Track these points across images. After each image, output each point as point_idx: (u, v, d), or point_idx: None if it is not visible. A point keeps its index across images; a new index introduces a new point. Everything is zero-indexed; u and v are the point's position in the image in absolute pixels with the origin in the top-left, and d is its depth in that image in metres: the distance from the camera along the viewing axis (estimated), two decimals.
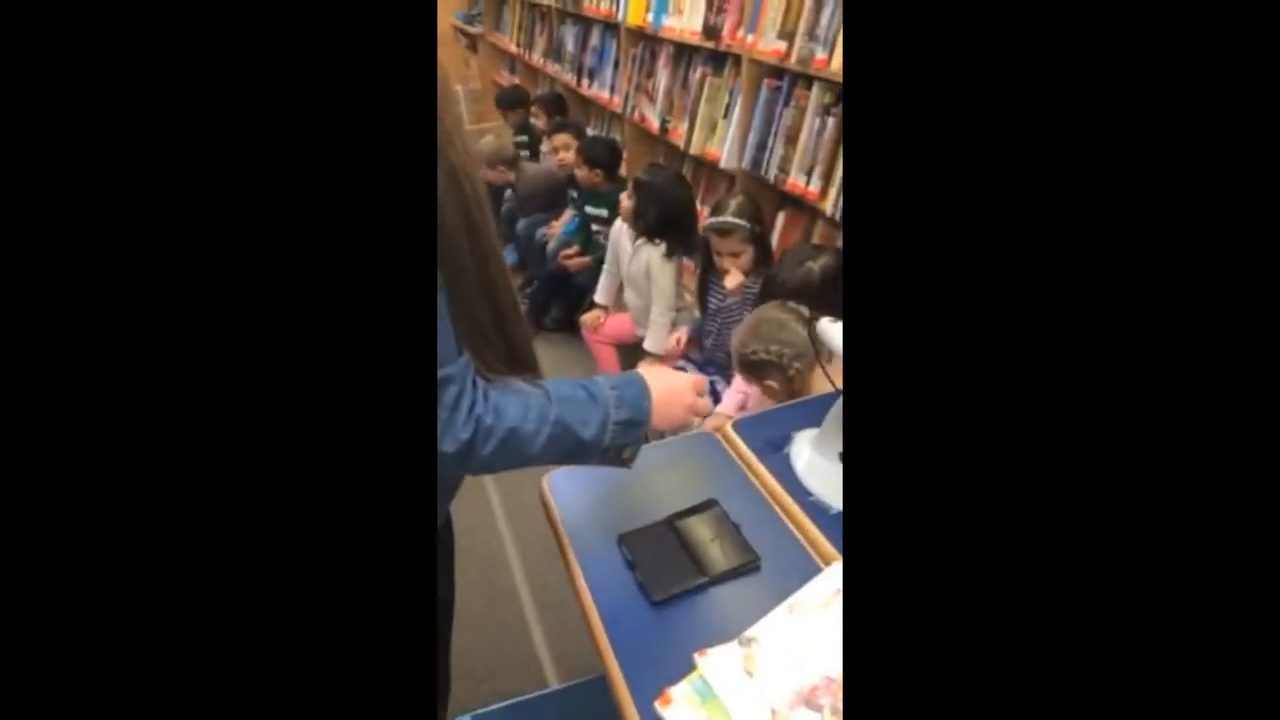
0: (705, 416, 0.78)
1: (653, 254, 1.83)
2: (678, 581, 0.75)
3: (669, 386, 0.76)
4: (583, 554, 0.80)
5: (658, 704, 0.63)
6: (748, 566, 0.77)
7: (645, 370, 0.75)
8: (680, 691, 0.63)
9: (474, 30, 4.33)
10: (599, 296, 2.10)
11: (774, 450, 0.92)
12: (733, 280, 1.56)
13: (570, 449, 0.68)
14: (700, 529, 0.82)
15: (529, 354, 0.72)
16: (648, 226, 1.82)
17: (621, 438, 0.71)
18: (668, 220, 1.79)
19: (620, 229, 1.98)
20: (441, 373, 0.59)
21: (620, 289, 2.08)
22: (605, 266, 2.07)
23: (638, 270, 1.89)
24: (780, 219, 1.76)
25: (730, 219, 1.53)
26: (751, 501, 0.86)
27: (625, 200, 1.88)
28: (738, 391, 1.54)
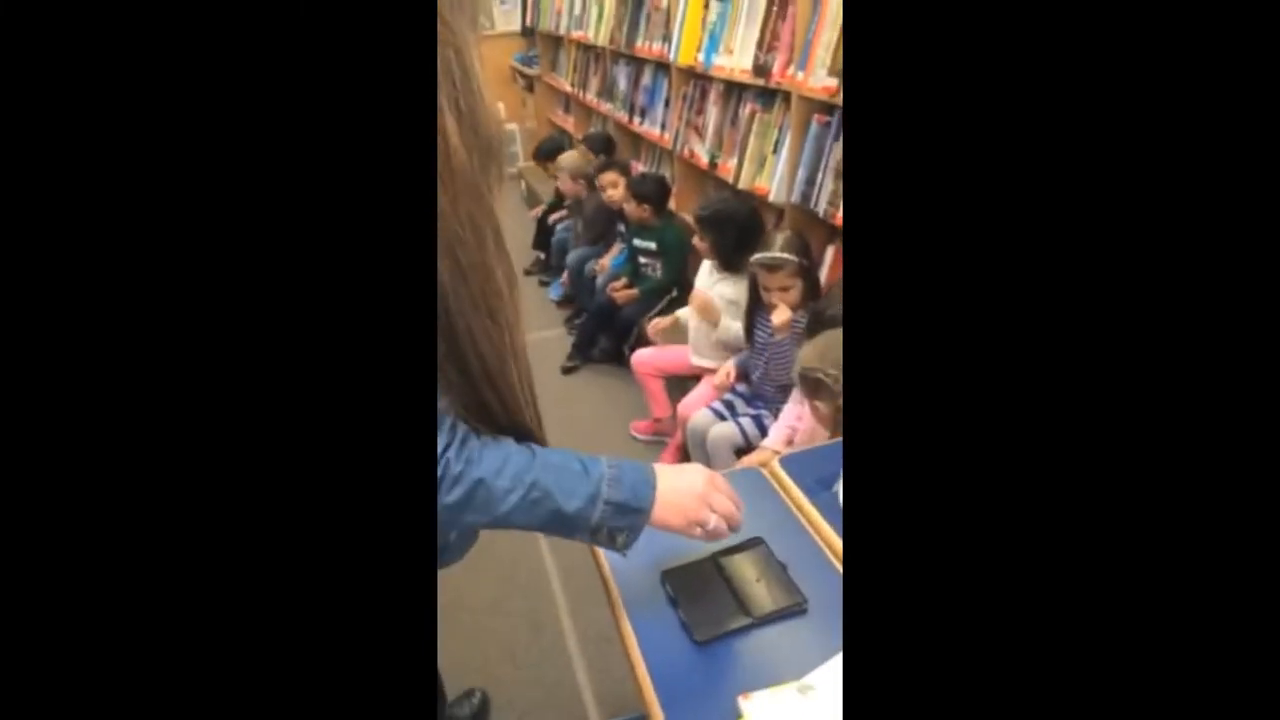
0: (731, 526, 0.72)
1: (732, 283, 1.85)
2: (722, 622, 0.73)
3: (682, 484, 0.69)
4: (626, 589, 0.79)
5: None
6: (794, 609, 0.75)
7: (662, 466, 0.70)
8: None
9: (531, 72, 4.50)
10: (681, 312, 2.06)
11: (822, 488, 0.90)
12: (780, 316, 1.55)
13: (547, 517, 0.64)
14: (745, 568, 0.80)
15: (527, 422, 0.66)
16: (727, 255, 1.83)
17: (614, 520, 0.66)
18: (744, 235, 1.79)
19: (705, 265, 1.99)
20: None
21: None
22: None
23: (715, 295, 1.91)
24: (830, 253, 1.75)
25: (778, 254, 1.53)
26: (798, 540, 0.84)
27: (699, 243, 1.90)
28: (786, 425, 1.52)
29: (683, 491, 0.69)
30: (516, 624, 1.55)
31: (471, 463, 0.60)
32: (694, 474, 0.71)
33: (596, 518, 0.66)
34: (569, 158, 2.92)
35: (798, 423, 1.48)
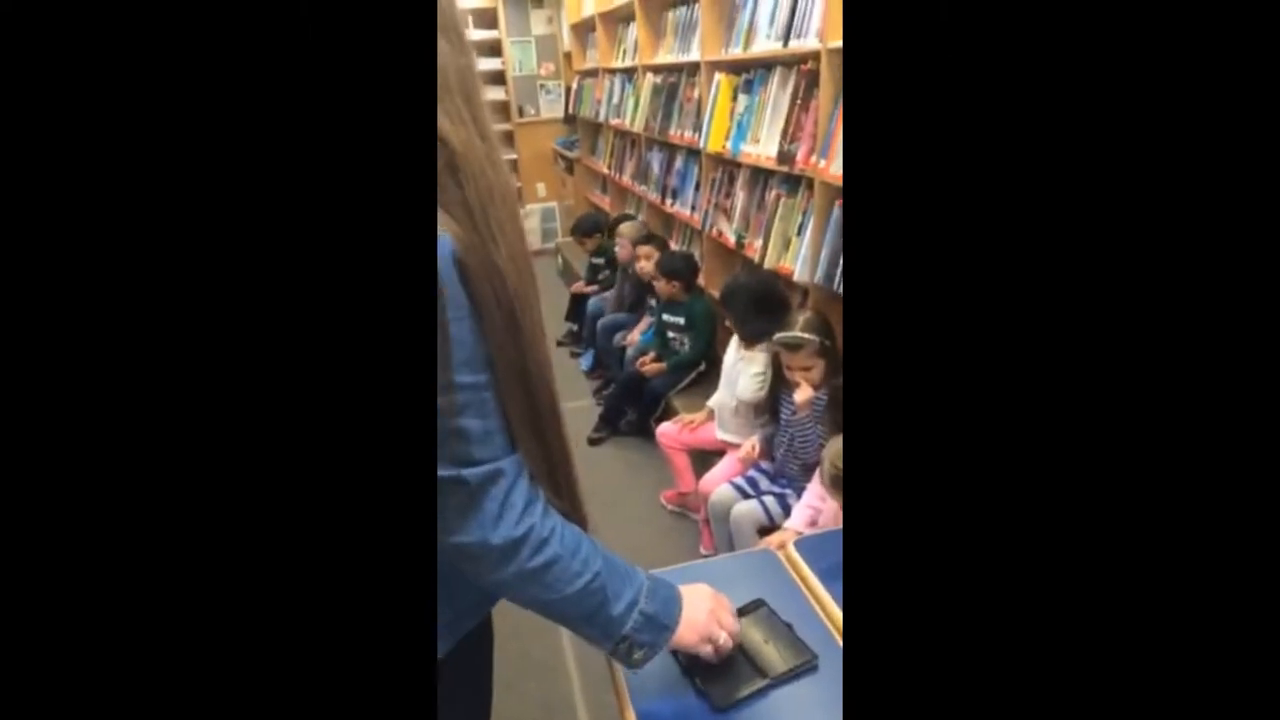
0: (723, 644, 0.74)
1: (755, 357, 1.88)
2: (739, 687, 0.73)
3: (697, 602, 0.72)
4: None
5: None
6: (805, 666, 0.75)
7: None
8: None
9: (571, 155, 4.76)
10: (711, 400, 2.11)
11: (839, 575, 0.89)
12: (802, 395, 1.56)
13: (591, 613, 0.63)
14: (752, 631, 0.80)
15: (571, 482, 0.65)
16: (748, 327, 1.86)
17: (642, 633, 0.66)
18: (760, 304, 1.84)
19: (733, 340, 2.03)
20: (492, 465, 0.56)
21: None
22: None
23: (728, 364, 1.93)
24: None
25: (799, 334, 1.56)
26: (807, 618, 0.82)
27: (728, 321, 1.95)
28: (808, 506, 1.50)
29: (698, 609, 0.71)
30: (529, 705, 1.51)
31: (555, 535, 0.60)
32: (703, 593, 0.74)
33: (630, 625, 0.65)
34: (629, 226, 3.06)
35: (820, 503, 1.46)
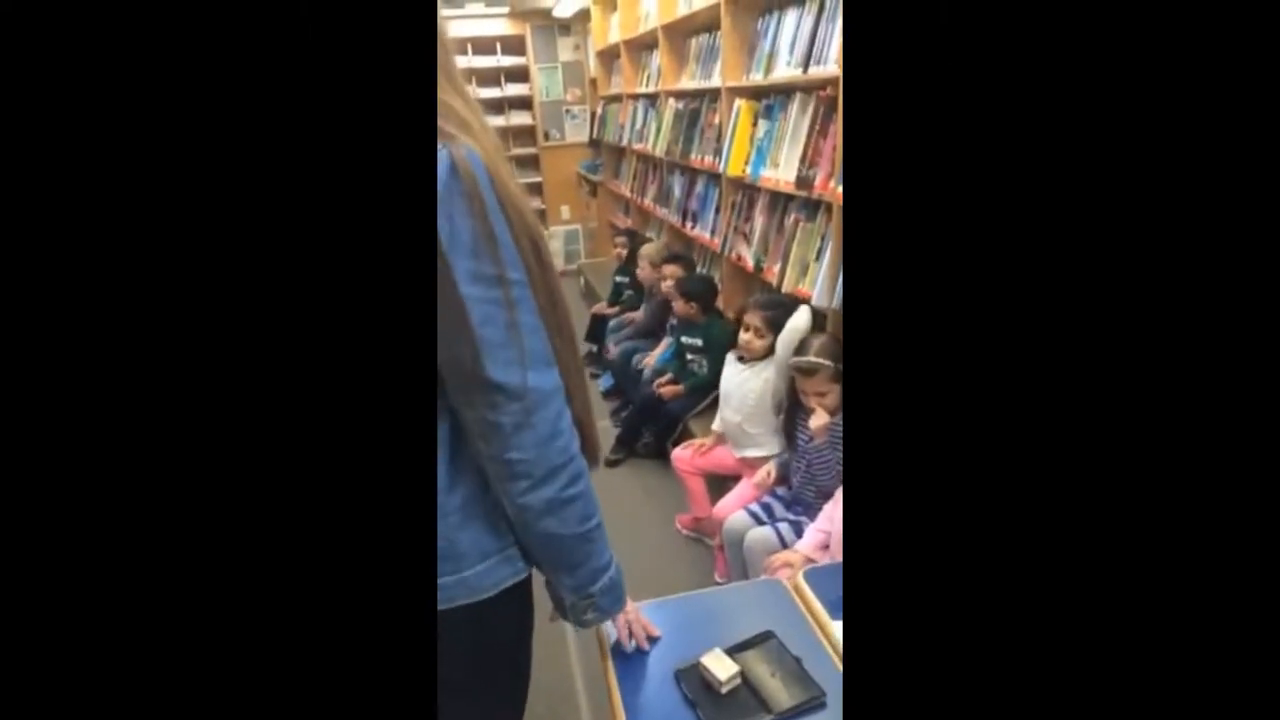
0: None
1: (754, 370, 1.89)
2: None
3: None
4: (639, 696, 0.77)
5: None
6: (813, 703, 0.73)
7: None
8: None
9: (595, 178, 4.82)
10: (716, 425, 2.11)
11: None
12: (818, 420, 1.54)
13: (581, 559, 0.70)
14: (758, 664, 0.78)
15: (585, 414, 0.71)
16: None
17: (605, 595, 0.73)
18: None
19: (729, 357, 2.03)
20: (553, 383, 0.62)
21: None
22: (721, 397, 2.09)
23: (735, 384, 1.93)
24: None
25: (814, 359, 1.54)
26: (814, 650, 0.80)
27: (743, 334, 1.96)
28: (819, 530, 1.47)
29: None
30: None
31: (584, 469, 0.66)
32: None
33: (599, 585, 0.72)
34: (650, 248, 3.08)
35: (831, 526, 1.44)
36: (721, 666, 0.76)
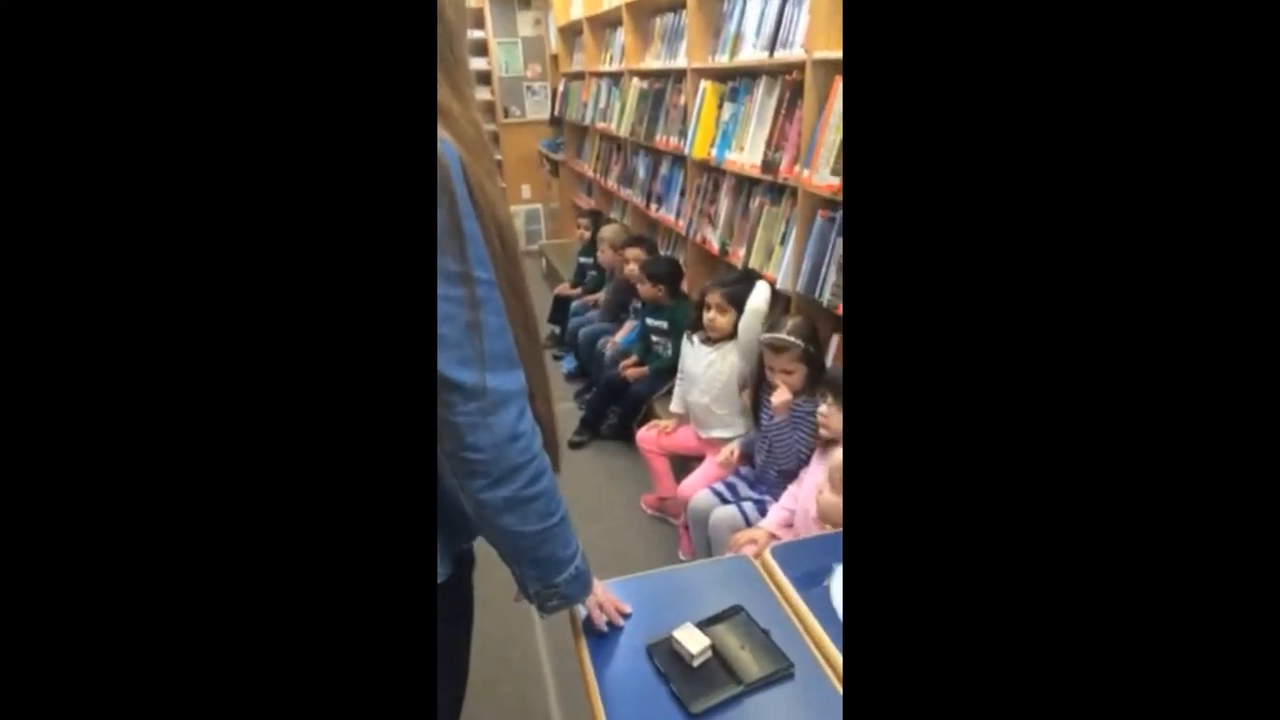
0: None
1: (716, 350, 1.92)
2: (714, 692, 0.74)
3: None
4: (610, 670, 0.79)
5: None
6: (782, 673, 0.76)
7: None
8: None
9: (557, 157, 4.75)
10: (674, 406, 2.14)
11: (814, 582, 0.90)
12: (779, 397, 1.57)
13: (545, 553, 0.71)
14: (729, 636, 0.81)
15: (546, 410, 0.72)
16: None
17: (571, 585, 0.75)
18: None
19: (684, 339, 2.05)
20: (516, 384, 0.62)
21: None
22: (678, 379, 2.12)
23: (702, 366, 1.95)
24: (835, 341, 1.78)
25: (785, 336, 1.57)
26: (783, 628, 0.83)
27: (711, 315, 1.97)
28: (783, 508, 1.51)
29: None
30: (505, 709, 1.50)
31: (546, 468, 0.66)
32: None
33: (565, 575, 0.73)
34: (611, 230, 3.05)
35: (795, 504, 1.48)
36: (693, 640, 0.78)
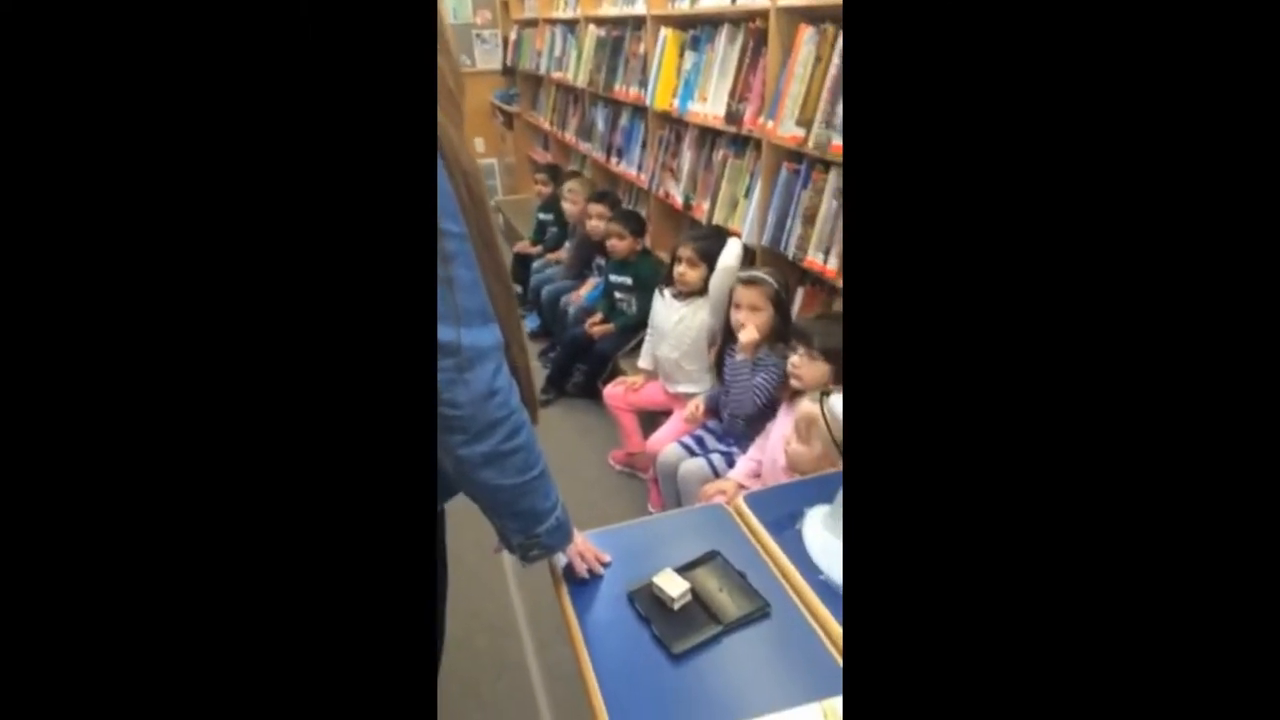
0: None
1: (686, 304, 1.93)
2: (694, 633, 0.77)
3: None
4: (592, 617, 0.81)
5: None
6: (758, 613, 0.79)
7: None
8: None
9: (510, 109, 4.59)
10: (641, 362, 2.14)
11: (785, 526, 0.93)
12: (747, 335, 1.59)
13: (525, 506, 0.72)
14: (707, 579, 0.83)
15: (522, 364, 0.72)
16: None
17: (553, 535, 0.76)
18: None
19: (655, 294, 2.05)
20: (492, 339, 0.62)
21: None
22: (648, 333, 2.11)
23: (672, 321, 1.96)
24: (800, 294, 1.81)
25: (758, 272, 1.62)
26: (759, 570, 0.86)
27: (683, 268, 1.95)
28: (751, 459, 1.55)
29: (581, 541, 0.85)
30: (482, 662, 1.53)
31: (524, 423, 0.67)
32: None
33: (545, 526, 0.74)
34: (580, 182, 2.98)
35: (762, 455, 1.51)
36: (673, 584, 0.80)
